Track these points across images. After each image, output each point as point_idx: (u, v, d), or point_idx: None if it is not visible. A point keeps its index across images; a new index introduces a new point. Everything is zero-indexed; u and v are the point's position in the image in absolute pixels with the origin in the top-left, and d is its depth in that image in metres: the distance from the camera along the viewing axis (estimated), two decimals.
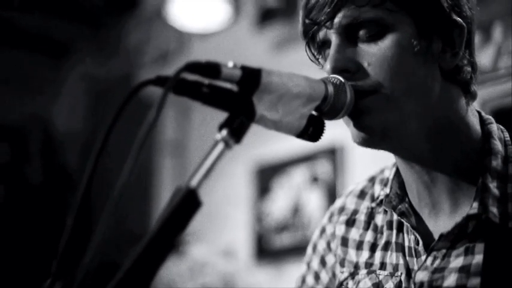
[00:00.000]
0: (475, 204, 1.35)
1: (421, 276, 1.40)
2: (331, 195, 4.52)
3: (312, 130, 1.30)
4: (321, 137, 1.32)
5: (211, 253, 4.85)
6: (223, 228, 5.13)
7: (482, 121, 1.48)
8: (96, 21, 6.56)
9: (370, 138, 1.38)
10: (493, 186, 1.37)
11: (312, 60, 1.49)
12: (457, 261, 1.36)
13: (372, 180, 1.65)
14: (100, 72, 6.57)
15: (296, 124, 1.28)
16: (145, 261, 1.04)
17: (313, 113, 1.31)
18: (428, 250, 1.40)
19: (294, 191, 4.82)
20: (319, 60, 1.47)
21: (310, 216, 4.68)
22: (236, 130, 1.15)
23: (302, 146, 4.69)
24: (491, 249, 1.33)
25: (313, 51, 1.48)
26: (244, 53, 5.02)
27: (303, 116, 1.28)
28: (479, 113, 1.50)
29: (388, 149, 1.45)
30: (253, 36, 5.21)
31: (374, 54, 1.35)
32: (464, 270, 1.34)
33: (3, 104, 6.20)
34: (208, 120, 5.51)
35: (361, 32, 1.37)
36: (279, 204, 4.89)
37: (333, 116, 1.33)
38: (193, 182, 1.08)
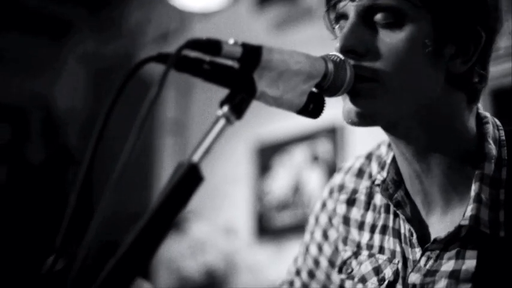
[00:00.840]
0: (468, 214, 1.37)
1: (414, 278, 1.43)
2: (332, 174, 4.52)
3: (312, 107, 1.31)
4: (321, 113, 1.33)
5: (212, 231, 4.87)
6: (224, 207, 5.15)
7: (479, 119, 1.47)
8: (98, 1, 6.55)
9: (358, 121, 1.38)
10: (485, 195, 1.38)
11: (327, 29, 1.48)
12: (448, 265, 1.39)
13: (369, 157, 1.66)
14: (101, 51, 6.57)
15: (297, 101, 1.29)
16: (148, 236, 1.05)
17: (314, 90, 1.32)
18: (423, 250, 1.43)
19: (295, 170, 4.84)
20: (335, 29, 1.47)
21: (310, 195, 4.70)
22: (237, 106, 1.16)
23: (303, 125, 4.70)
24: (482, 258, 1.36)
25: (331, 19, 1.47)
26: (245, 32, 5.01)
27: (303, 93, 1.29)
28: (477, 109, 1.49)
29: (380, 127, 1.46)
30: (254, 15, 5.20)
31: (385, 43, 1.35)
32: (453, 276, 1.37)
33: (4, 83, 6.20)
34: (210, 99, 5.52)
35: (379, 16, 1.36)
36: (279, 182, 4.90)
37: (333, 93, 1.33)
38: (195, 157, 1.10)
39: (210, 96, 5.32)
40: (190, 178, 1.09)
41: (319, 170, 4.69)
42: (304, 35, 4.68)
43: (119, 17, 6.42)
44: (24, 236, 5.78)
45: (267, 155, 5.01)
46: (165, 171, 5.74)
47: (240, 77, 1.20)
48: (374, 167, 1.63)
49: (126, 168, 1.04)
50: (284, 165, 4.91)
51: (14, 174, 6.21)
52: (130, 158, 1.04)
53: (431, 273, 1.40)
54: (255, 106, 1.25)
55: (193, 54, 1.17)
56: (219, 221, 5.01)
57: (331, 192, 1.71)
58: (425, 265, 1.42)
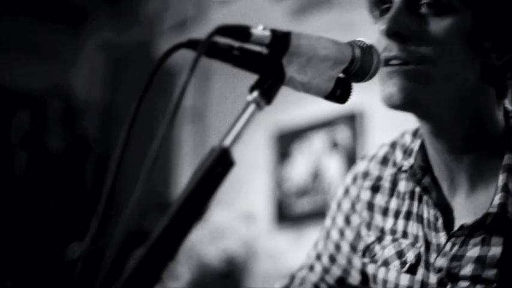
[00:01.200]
0: (495, 202, 1.41)
1: (440, 262, 1.46)
2: (351, 160, 4.55)
3: (339, 92, 1.32)
4: (349, 98, 1.34)
5: (232, 218, 4.89)
6: (243, 193, 5.17)
7: (506, 113, 1.51)
8: None
9: (399, 104, 1.41)
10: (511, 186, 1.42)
11: (368, 11, 1.50)
12: (473, 251, 1.42)
13: (393, 145, 1.68)
14: (119, 39, 6.59)
15: (324, 86, 1.30)
16: (181, 221, 1.07)
17: (341, 75, 1.33)
18: (449, 235, 1.46)
19: (314, 157, 4.85)
20: (374, 12, 1.49)
21: (330, 181, 4.71)
22: (267, 91, 1.17)
23: (321, 111, 4.71)
24: (508, 244, 1.40)
25: (373, 1, 1.49)
26: (263, 19, 4.99)
27: (330, 78, 1.30)
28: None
29: (415, 115, 1.49)
30: (272, 2, 5.20)
31: (431, 29, 1.38)
32: (480, 261, 1.41)
33: (22, 72, 6.23)
34: (228, 87, 5.53)
35: (425, 1, 1.39)
36: (298, 169, 4.92)
37: (361, 78, 1.34)
38: (226, 142, 1.12)
39: (228, 84, 5.31)
40: (222, 162, 1.10)
41: (338, 157, 4.70)
42: (323, 22, 4.68)
43: (136, 5, 6.43)
44: (43, 224, 5.82)
45: (286, 142, 5.03)
46: (184, 159, 5.76)
47: (269, 63, 1.21)
48: (398, 155, 1.65)
49: (157, 157, 1.05)
50: (303, 152, 4.92)
51: (34, 162, 6.24)
52: (162, 147, 1.06)
53: (457, 258, 1.44)
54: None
55: (222, 40, 1.19)
56: (238, 208, 5.03)
57: (354, 179, 1.73)
58: (450, 250, 1.45)
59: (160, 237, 1.05)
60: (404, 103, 1.40)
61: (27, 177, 6.15)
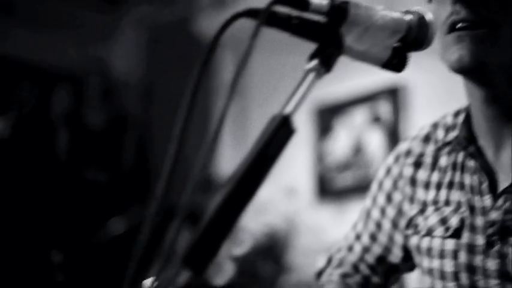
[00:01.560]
0: None
1: (494, 216, 1.49)
2: (393, 135, 4.55)
3: (396, 61, 1.34)
4: (405, 68, 1.36)
5: (274, 192, 4.90)
6: (285, 168, 5.17)
7: None
8: None
9: (468, 66, 1.46)
10: None
11: None
12: None
13: (435, 125, 1.73)
14: (157, 16, 6.60)
15: (381, 55, 1.31)
16: (244, 190, 1.08)
17: (398, 44, 1.34)
18: (500, 192, 1.51)
19: (355, 131, 4.85)
20: None
21: (372, 156, 4.71)
22: (326, 60, 1.19)
23: (363, 86, 4.70)
24: None
25: None
26: None
27: (387, 47, 1.31)
28: None
29: (475, 81, 1.53)
30: None
31: None
32: None
33: (60, 49, 6.26)
34: (269, 64, 5.52)
35: None
36: (340, 144, 4.93)
37: (417, 47, 1.36)
38: (288, 109, 1.13)
39: (269, 61, 5.30)
40: (283, 129, 1.12)
41: (380, 131, 4.70)
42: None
43: None
44: (84, 200, 5.88)
45: (327, 116, 5.03)
46: (225, 136, 5.77)
47: (327, 32, 1.22)
48: (440, 133, 1.70)
49: (219, 135, 1.06)
50: (345, 126, 4.92)
51: (75, 140, 6.29)
52: (224, 119, 1.07)
53: (510, 212, 1.48)
54: None
55: (281, 9, 1.20)
56: (280, 182, 5.04)
57: (397, 158, 1.76)
58: (502, 206, 1.49)
59: (223, 206, 1.05)
60: (474, 66, 1.45)
61: (69, 154, 6.20)
